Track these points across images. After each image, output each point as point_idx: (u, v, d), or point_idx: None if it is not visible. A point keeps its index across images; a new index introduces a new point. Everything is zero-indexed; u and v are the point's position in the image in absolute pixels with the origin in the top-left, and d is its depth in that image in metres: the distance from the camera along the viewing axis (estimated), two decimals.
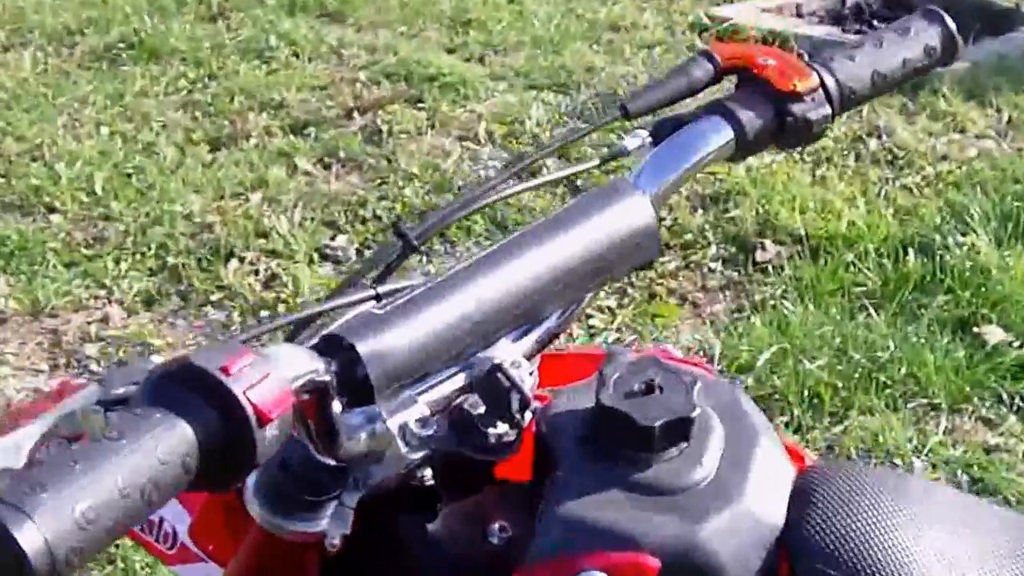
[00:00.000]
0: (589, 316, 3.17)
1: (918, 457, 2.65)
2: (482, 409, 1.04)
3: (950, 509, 1.21)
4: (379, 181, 3.78)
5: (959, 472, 2.62)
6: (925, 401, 2.83)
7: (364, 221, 3.59)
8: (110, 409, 0.83)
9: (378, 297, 1.08)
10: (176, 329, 3.15)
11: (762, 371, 2.88)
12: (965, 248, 3.23)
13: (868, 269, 3.21)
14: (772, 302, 3.15)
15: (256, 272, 3.34)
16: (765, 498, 1.08)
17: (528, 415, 1.06)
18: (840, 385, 2.84)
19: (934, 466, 2.64)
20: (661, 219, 3.67)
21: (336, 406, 0.93)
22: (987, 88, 4.25)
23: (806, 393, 2.82)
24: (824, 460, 1.25)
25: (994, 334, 2.99)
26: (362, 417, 0.97)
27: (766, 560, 1.05)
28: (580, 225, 1.09)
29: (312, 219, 3.56)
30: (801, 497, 1.11)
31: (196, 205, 3.61)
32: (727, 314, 3.18)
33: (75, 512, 0.72)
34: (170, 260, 3.37)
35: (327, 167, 3.86)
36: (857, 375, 2.86)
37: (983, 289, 3.10)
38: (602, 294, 3.25)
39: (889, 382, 2.85)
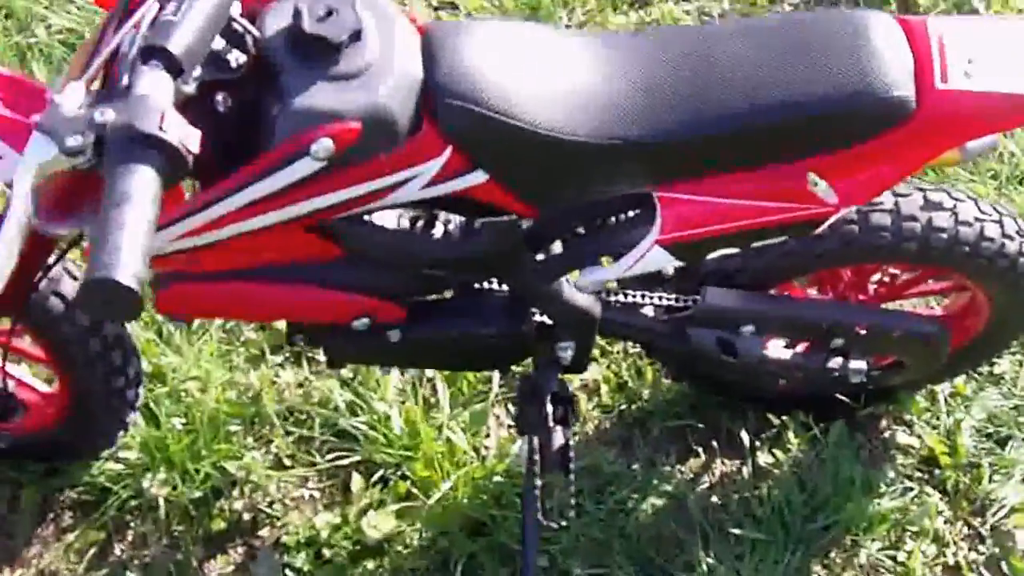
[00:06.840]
0: None
1: None
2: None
3: (571, 46, 1.69)
4: None
5: None
6: None
7: None
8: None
9: None
10: None
11: None
12: None
13: None
14: None
15: None
16: (407, 62, 1.59)
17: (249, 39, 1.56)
18: None
19: None
20: None
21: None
22: None
23: None
24: (436, 21, 1.66)
25: None
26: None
27: (416, 106, 1.59)
28: None
29: None
30: (429, 53, 1.62)
31: None
32: None
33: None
34: None
35: None
36: None
37: None
38: None
39: None
